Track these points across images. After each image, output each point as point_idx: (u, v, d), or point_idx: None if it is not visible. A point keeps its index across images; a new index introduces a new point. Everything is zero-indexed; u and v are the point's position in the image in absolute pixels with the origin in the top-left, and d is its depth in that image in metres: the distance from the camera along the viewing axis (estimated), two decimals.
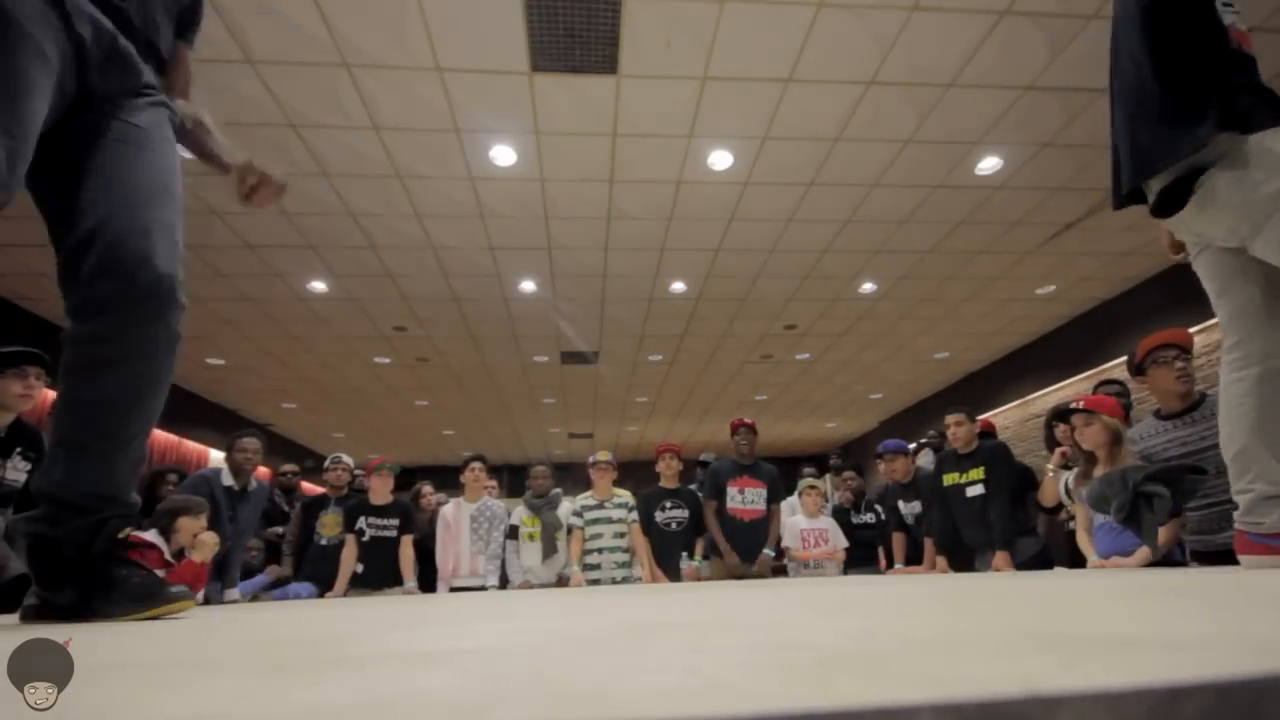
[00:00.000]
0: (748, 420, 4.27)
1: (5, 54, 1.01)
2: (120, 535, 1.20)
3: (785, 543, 4.31)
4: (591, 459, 4.21)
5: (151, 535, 2.88)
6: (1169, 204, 1.57)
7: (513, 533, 4.21)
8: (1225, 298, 1.65)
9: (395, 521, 4.08)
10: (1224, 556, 2.37)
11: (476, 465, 4.28)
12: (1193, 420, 2.51)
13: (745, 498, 4.07)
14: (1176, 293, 6.29)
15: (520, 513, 4.27)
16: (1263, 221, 1.44)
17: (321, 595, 3.90)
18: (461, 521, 4.15)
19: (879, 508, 4.90)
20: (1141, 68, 1.56)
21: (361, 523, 4.04)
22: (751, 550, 4.04)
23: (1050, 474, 3.27)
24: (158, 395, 1.20)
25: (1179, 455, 2.51)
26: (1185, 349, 2.61)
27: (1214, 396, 2.52)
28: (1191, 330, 5.88)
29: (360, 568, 4.00)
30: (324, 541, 4.23)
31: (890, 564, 4.49)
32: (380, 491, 4.12)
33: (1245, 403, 1.59)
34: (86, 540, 1.15)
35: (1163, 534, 2.55)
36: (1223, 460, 2.39)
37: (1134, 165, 1.61)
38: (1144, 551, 2.56)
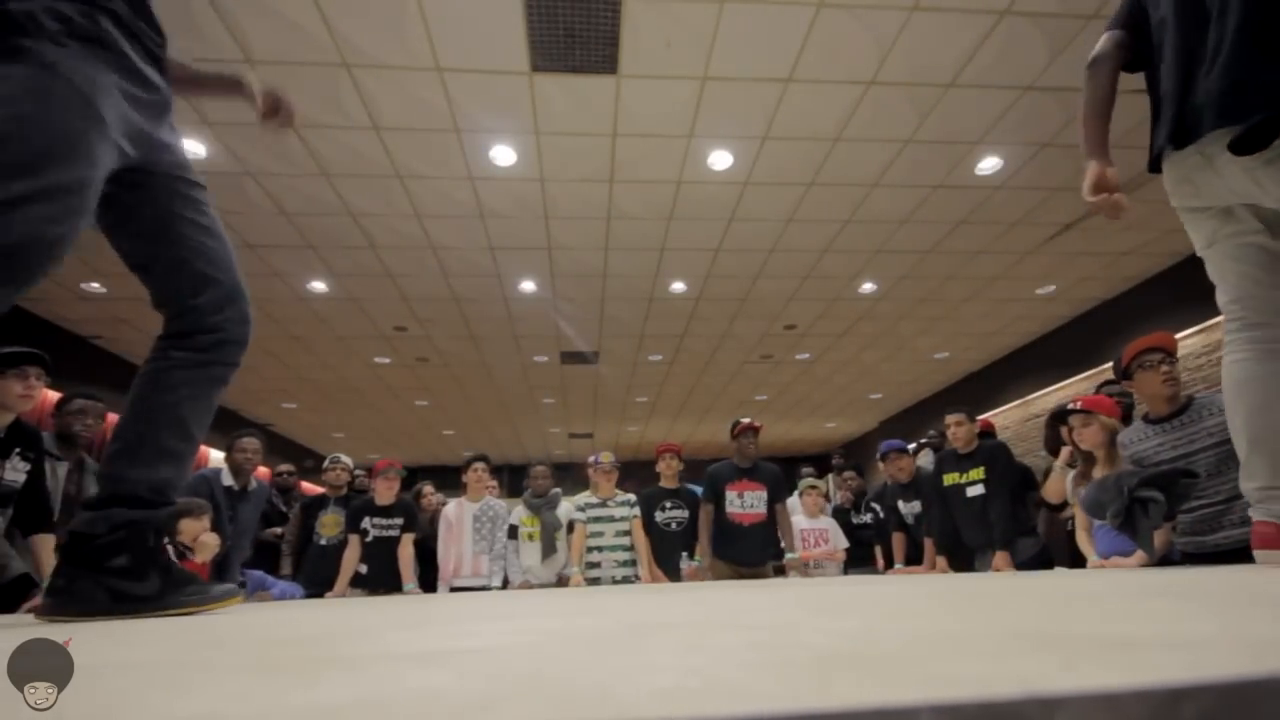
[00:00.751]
0: (756, 424, 4.13)
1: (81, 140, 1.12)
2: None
3: (785, 543, 4.29)
4: (593, 460, 4.18)
5: None
6: (1254, 143, 1.42)
7: (512, 533, 4.20)
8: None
9: (399, 521, 4.08)
10: (1216, 558, 2.37)
11: (480, 465, 4.27)
12: (1181, 424, 2.51)
13: (745, 502, 4.02)
14: (1176, 293, 6.30)
15: (519, 513, 4.26)
16: None
17: (320, 596, 3.90)
18: (464, 521, 4.15)
19: (876, 507, 4.90)
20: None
21: (366, 523, 4.04)
22: (754, 554, 4.01)
23: (1058, 470, 3.27)
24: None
25: (1170, 459, 2.51)
26: (1170, 353, 2.61)
27: (1201, 399, 2.52)
28: (1191, 330, 5.91)
29: (364, 568, 4.00)
30: (323, 541, 4.23)
31: (890, 564, 4.49)
32: (385, 494, 4.12)
33: None
34: (159, 530, 1.29)
35: (1156, 539, 2.55)
36: (1212, 463, 2.39)
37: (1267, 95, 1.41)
38: (1143, 553, 2.56)
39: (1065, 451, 3.23)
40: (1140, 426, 2.65)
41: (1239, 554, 2.25)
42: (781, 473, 4.19)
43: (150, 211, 1.32)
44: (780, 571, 4.27)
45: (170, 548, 2.89)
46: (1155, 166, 1.69)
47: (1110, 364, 6.98)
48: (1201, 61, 1.50)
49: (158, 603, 1.19)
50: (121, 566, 1.18)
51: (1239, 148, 1.44)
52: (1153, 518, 2.23)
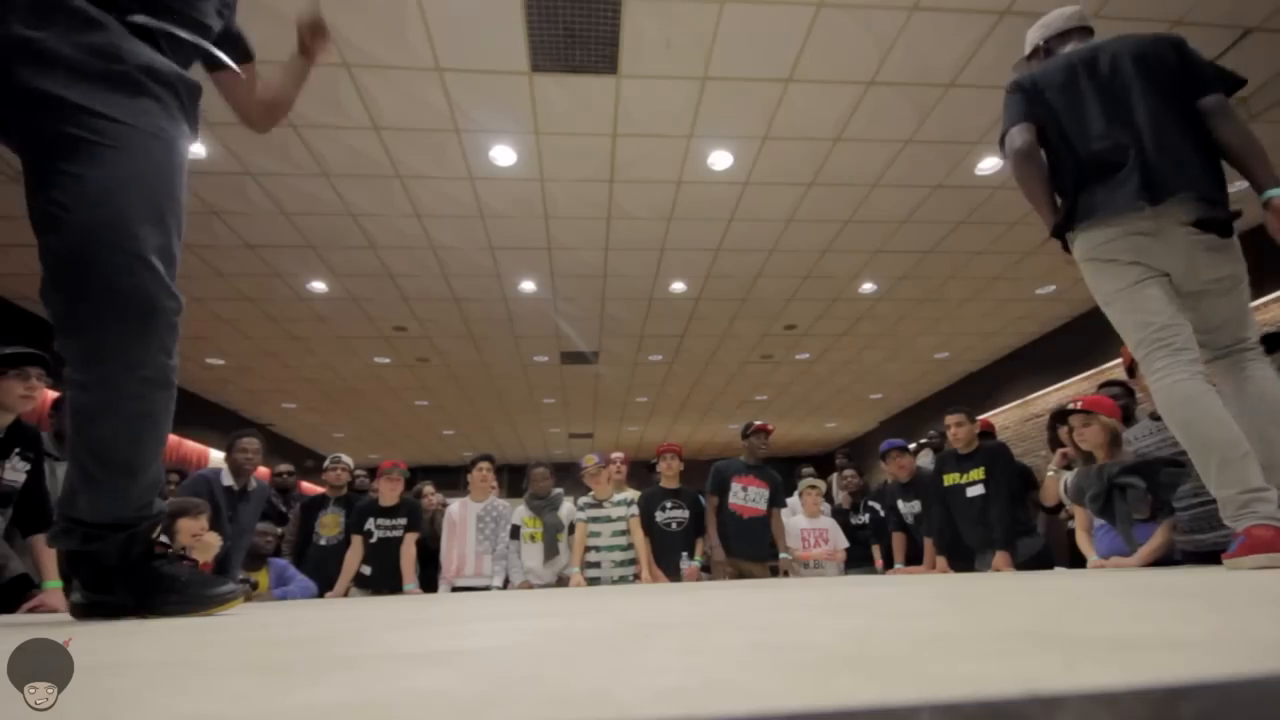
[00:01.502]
0: (769, 426, 4.32)
1: None
2: (154, 536, 1.26)
3: (786, 542, 4.30)
4: (580, 464, 4.21)
5: None
6: (1220, 228, 1.76)
7: (514, 532, 4.20)
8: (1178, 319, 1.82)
9: (402, 521, 4.08)
10: (1216, 557, 2.37)
11: (484, 465, 4.26)
12: None
13: (748, 495, 4.10)
14: None
15: (521, 512, 4.26)
16: (1243, 281, 1.80)
17: (321, 595, 3.90)
18: (468, 521, 4.15)
19: (875, 506, 4.90)
20: (1195, 125, 1.82)
21: (370, 524, 4.03)
22: (748, 548, 4.04)
23: (1051, 474, 3.27)
24: (160, 430, 1.22)
25: (1171, 455, 2.51)
26: None
27: None
28: None
29: (367, 569, 3.99)
30: (323, 542, 4.22)
31: (889, 564, 4.49)
32: (389, 495, 4.11)
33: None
34: (125, 547, 1.19)
35: (1157, 537, 2.55)
36: None
37: (1212, 179, 1.78)
38: (1143, 551, 2.57)
39: (1058, 454, 3.22)
40: (1146, 423, 2.65)
41: None
42: (782, 481, 4.27)
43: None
44: (775, 572, 4.27)
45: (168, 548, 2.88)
46: (1062, 232, 1.95)
47: (1110, 363, 7.00)
48: (1141, 134, 1.81)
49: (137, 611, 1.18)
50: (83, 581, 1.18)
51: (1208, 226, 1.73)
52: (1130, 503, 2.24)
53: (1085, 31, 2.07)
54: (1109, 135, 1.85)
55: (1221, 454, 1.67)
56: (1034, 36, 2.15)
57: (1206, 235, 1.74)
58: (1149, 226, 1.79)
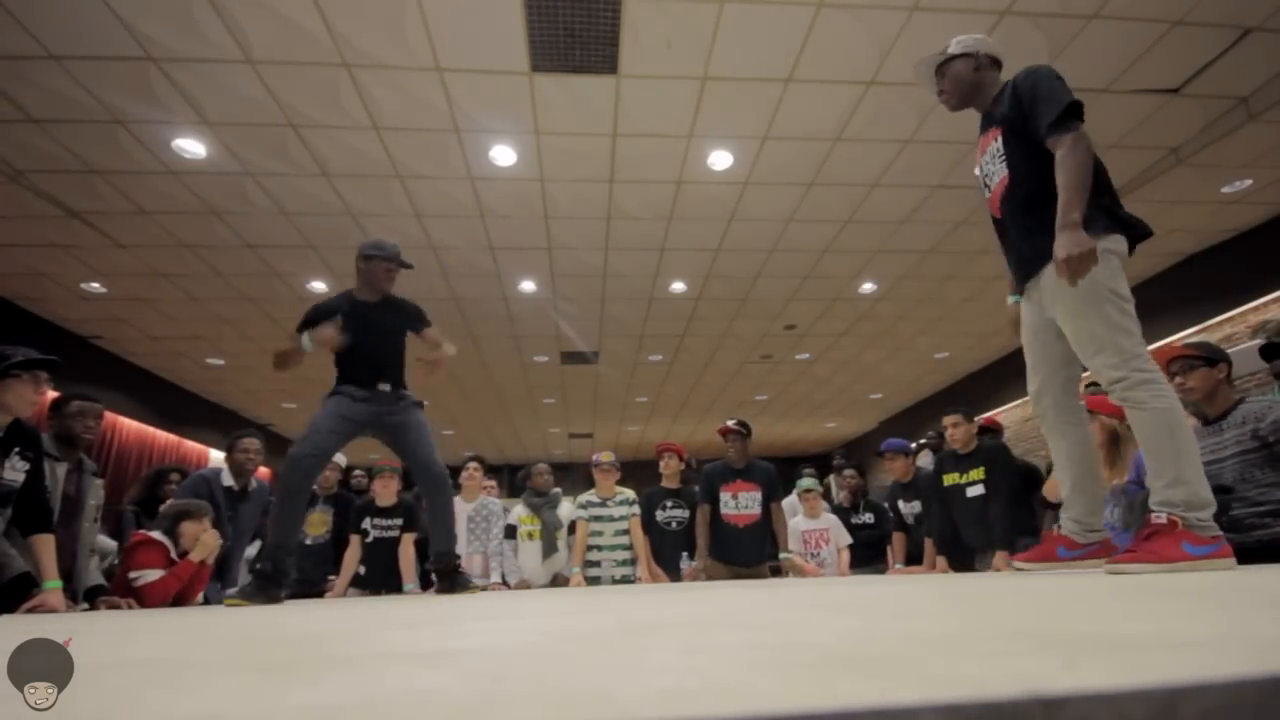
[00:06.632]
0: (740, 426, 4.07)
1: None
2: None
3: (789, 544, 4.28)
4: (595, 460, 4.19)
5: (157, 535, 2.88)
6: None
7: (510, 532, 4.19)
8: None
9: (399, 521, 4.08)
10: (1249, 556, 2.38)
11: (473, 465, 4.32)
12: (1220, 429, 2.51)
13: (739, 503, 3.98)
14: (1176, 292, 6.30)
15: (519, 511, 4.25)
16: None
17: (304, 596, 3.86)
18: (459, 521, 4.15)
19: (887, 506, 4.88)
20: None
21: (366, 523, 4.03)
22: (750, 555, 3.99)
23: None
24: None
25: (1204, 463, 2.53)
26: (1190, 359, 2.61)
27: (1244, 407, 2.48)
28: (1191, 330, 5.90)
29: (363, 569, 3.99)
30: (308, 541, 4.17)
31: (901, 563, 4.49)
32: (385, 495, 4.11)
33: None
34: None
35: None
36: (1236, 470, 2.40)
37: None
38: None
39: None
40: (1196, 425, 2.66)
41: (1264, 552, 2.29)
42: (776, 471, 4.14)
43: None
44: (777, 572, 4.26)
45: (172, 548, 2.89)
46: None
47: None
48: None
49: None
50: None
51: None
52: None
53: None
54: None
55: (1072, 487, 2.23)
56: (983, 47, 2.27)
57: None
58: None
